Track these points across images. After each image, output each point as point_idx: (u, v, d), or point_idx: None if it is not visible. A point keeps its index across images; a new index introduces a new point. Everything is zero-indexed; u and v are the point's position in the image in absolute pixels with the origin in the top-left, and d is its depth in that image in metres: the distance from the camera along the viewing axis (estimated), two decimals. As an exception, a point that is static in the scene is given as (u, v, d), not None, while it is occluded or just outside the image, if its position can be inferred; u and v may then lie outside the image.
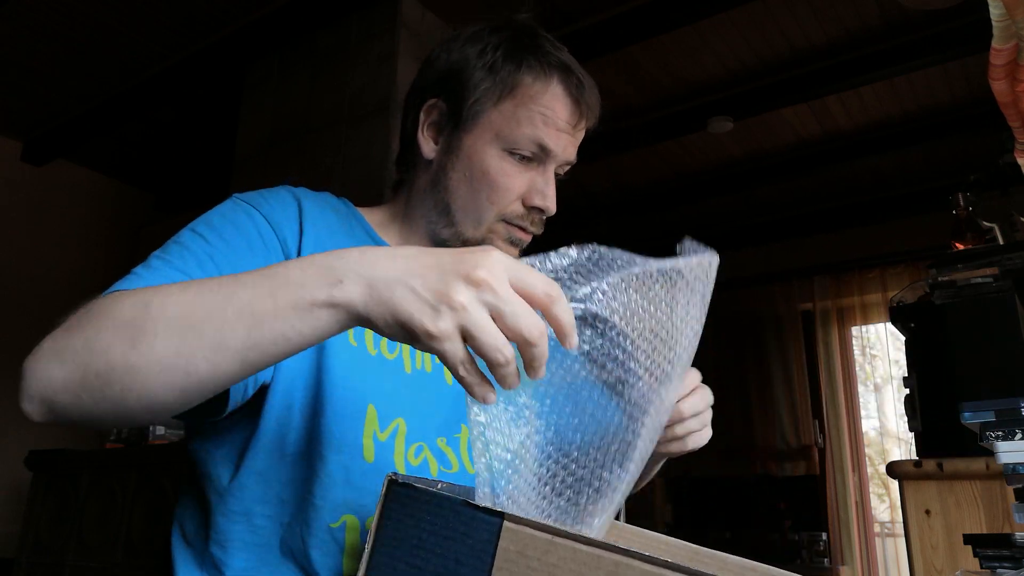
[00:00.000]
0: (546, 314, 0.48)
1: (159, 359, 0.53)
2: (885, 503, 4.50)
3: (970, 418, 0.92)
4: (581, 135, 0.87)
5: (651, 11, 2.56)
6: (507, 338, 0.47)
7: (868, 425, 4.32)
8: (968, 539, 0.96)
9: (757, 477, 4.17)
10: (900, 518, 1.68)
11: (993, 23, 0.86)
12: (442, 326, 0.47)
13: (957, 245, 1.83)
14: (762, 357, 4.31)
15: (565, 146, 0.84)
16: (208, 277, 0.63)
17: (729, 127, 3.23)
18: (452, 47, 0.87)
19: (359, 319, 0.51)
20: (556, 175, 0.87)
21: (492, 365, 0.47)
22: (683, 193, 3.96)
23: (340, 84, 2.58)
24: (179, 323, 0.53)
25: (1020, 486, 0.91)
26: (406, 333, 0.49)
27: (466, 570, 0.43)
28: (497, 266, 0.48)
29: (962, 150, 3.49)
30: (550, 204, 0.84)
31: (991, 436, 0.89)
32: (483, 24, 0.88)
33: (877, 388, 4.41)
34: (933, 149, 3.51)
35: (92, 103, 3.34)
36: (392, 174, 0.93)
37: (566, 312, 0.48)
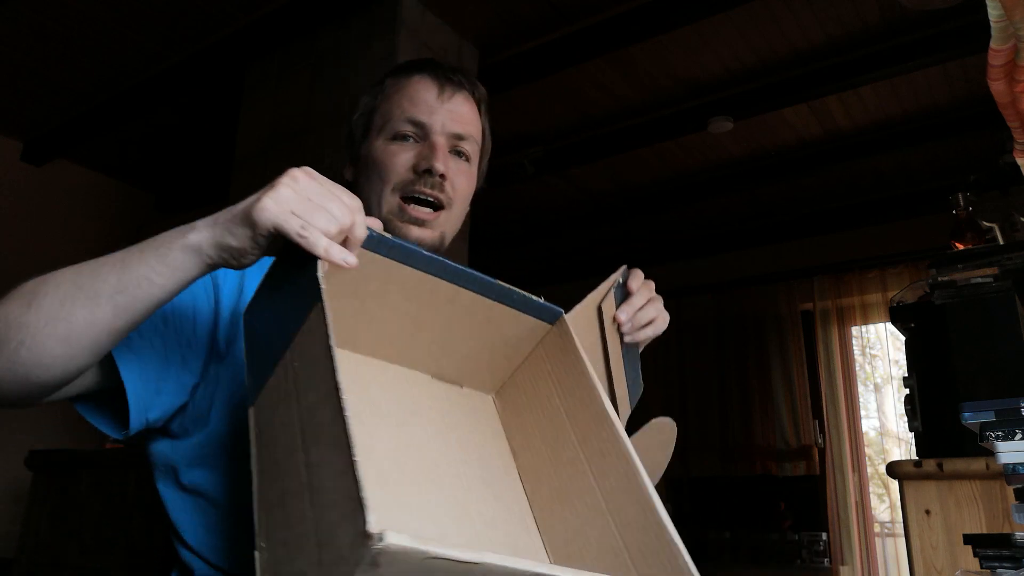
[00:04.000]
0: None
1: (45, 312, 0.62)
2: (885, 503, 4.50)
3: (970, 418, 0.92)
4: (462, 107, 0.94)
5: (651, 11, 2.56)
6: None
7: (868, 425, 4.32)
8: (968, 539, 0.96)
9: (757, 477, 4.16)
10: (900, 518, 1.68)
11: (991, 24, 0.86)
12: (275, 207, 0.58)
13: (957, 245, 1.83)
14: (762, 357, 4.31)
15: (442, 119, 0.92)
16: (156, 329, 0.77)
17: (729, 127, 3.22)
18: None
19: (214, 253, 0.61)
20: (459, 152, 0.94)
21: (326, 234, 0.57)
22: (683, 193, 3.96)
23: (340, 84, 2.58)
24: (66, 285, 0.63)
25: (1020, 486, 0.91)
26: (256, 232, 0.58)
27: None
28: (313, 172, 0.61)
29: (962, 150, 3.49)
30: (435, 164, 0.89)
31: (991, 436, 0.90)
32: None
33: (877, 388, 4.41)
34: (933, 149, 3.50)
35: (92, 103, 3.34)
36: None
37: (361, 224, 0.60)
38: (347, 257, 0.57)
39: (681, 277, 4.51)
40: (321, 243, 0.56)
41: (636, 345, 0.85)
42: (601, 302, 0.77)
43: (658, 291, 0.87)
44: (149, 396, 0.76)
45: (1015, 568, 0.89)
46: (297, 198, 0.58)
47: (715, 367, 4.43)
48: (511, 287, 0.69)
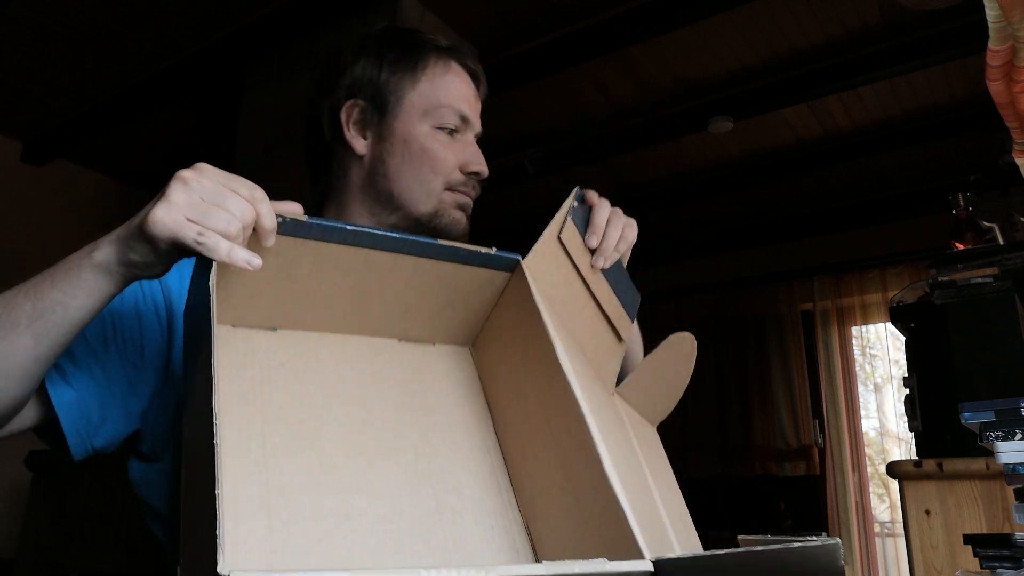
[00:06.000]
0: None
1: None
2: (885, 503, 4.50)
3: (970, 418, 0.92)
4: (479, 106, 0.97)
5: (651, 11, 2.56)
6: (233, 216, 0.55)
7: (868, 425, 4.32)
8: (968, 539, 0.96)
9: (757, 477, 4.16)
10: (900, 518, 1.68)
11: (989, 24, 0.86)
12: (167, 217, 0.55)
13: (957, 245, 1.83)
14: (762, 357, 4.31)
15: (478, 120, 0.95)
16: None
17: (729, 127, 3.22)
18: (345, 59, 0.93)
19: (123, 270, 0.59)
20: None
21: (226, 235, 0.54)
22: (683, 193, 3.96)
23: (340, 84, 2.57)
24: None
25: (1020, 486, 0.91)
26: (155, 246, 0.56)
27: None
28: (205, 168, 0.57)
29: (962, 150, 3.49)
30: (485, 168, 0.93)
31: (991, 436, 0.90)
32: (364, 32, 0.98)
33: (877, 388, 4.41)
34: (933, 149, 3.50)
35: (92, 103, 3.34)
36: (309, 195, 0.98)
37: (268, 214, 0.56)
38: (251, 259, 0.54)
39: (680, 277, 4.51)
40: (221, 248, 0.54)
41: (619, 260, 0.84)
42: (560, 233, 0.74)
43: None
44: (91, 427, 0.74)
45: (1015, 568, 0.89)
46: (189, 201, 0.55)
47: (715, 367, 4.43)
48: (456, 244, 0.65)
